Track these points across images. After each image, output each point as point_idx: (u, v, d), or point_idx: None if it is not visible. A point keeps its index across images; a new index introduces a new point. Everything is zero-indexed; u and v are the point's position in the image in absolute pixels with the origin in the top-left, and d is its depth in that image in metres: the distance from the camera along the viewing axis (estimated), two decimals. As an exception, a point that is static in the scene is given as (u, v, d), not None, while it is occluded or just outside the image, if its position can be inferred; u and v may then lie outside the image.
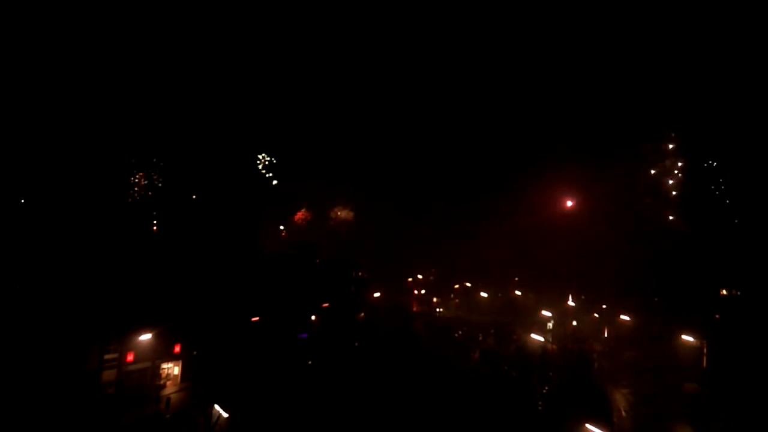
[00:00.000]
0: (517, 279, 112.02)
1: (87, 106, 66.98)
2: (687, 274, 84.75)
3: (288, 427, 39.21)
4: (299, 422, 39.75)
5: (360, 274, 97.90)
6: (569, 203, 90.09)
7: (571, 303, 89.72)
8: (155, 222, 74.97)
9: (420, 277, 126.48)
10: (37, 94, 63.31)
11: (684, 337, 61.14)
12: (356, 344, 67.08)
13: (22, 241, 52.66)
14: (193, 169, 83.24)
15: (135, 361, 45.59)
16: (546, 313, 79.87)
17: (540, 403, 48.55)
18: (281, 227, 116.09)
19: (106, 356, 43.73)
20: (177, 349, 49.29)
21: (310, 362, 57.73)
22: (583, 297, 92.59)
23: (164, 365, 48.70)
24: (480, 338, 72.94)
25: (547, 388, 51.25)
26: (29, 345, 39.24)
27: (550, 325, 78.96)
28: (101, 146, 68.08)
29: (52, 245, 52.32)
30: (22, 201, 61.38)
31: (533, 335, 63.79)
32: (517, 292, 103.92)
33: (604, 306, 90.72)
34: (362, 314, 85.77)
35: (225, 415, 35.95)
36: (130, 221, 69.82)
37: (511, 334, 64.81)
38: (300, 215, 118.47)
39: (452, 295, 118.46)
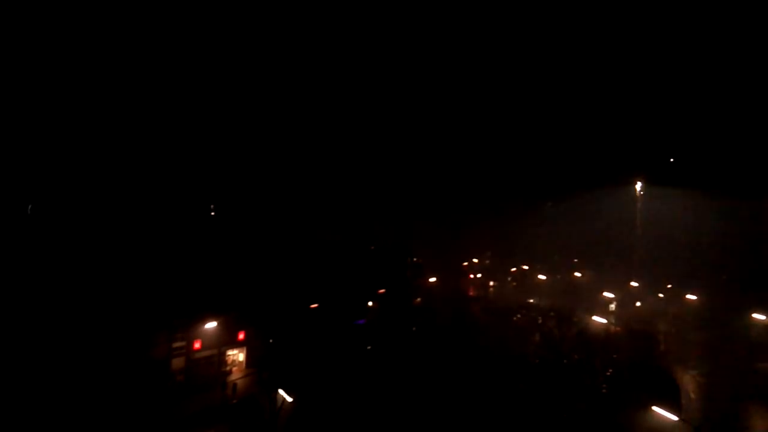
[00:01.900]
0: (576, 260, 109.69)
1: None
2: (757, 249, 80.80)
3: (350, 411, 39.79)
4: (361, 406, 40.31)
5: (414, 259, 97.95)
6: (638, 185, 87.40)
7: (634, 283, 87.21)
8: (213, 211, 76.82)
9: (475, 261, 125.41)
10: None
11: (755, 315, 58.34)
12: (413, 329, 67.22)
13: (93, 234, 55.02)
14: (249, 157, 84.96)
15: (202, 349, 47.20)
16: (608, 294, 77.87)
17: (604, 386, 47.33)
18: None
19: (175, 344, 45.51)
20: (241, 336, 50.67)
21: (368, 347, 58.32)
22: (646, 276, 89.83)
23: (229, 352, 50.19)
24: (539, 321, 71.67)
25: (611, 371, 49.92)
26: (103, 336, 41.04)
27: (612, 306, 76.88)
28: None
29: (121, 238, 54.45)
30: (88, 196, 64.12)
31: (595, 317, 62.26)
32: (577, 274, 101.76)
33: (669, 285, 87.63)
34: (418, 299, 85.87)
35: (289, 399, 36.72)
36: (193, 213, 71.83)
37: (572, 317, 63.37)
38: None
39: (509, 279, 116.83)
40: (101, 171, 64.85)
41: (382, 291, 76.54)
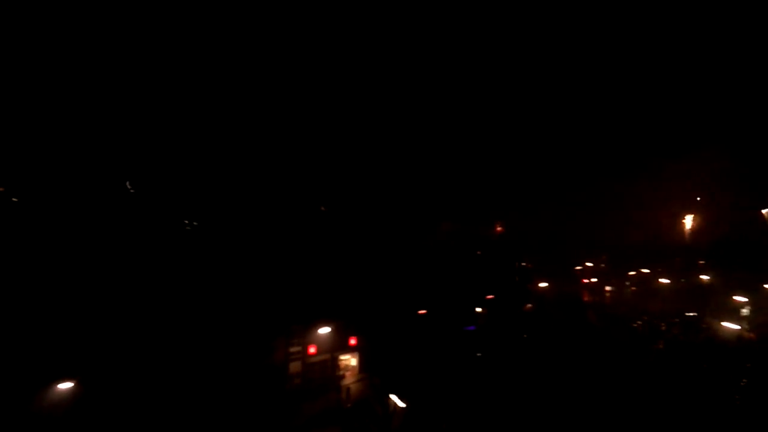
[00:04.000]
0: (702, 262, 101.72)
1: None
2: None
3: (462, 418, 39.57)
4: (472, 413, 39.97)
5: (524, 264, 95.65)
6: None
7: (768, 285, 79.38)
8: (323, 216, 79.47)
9: (590, 265, 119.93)
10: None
11: None
12: (525, 336, 65.58)
13: (221, 244, 59.10)
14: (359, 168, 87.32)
15: (316, 354, 48.98)
16: (740, 298, 71.52)
17: (737, 396, 43.54)
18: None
19: (292, 349, 47.63)
20: (353, 341, 51.93)
21: (479, 354, 57.68)
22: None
23: (342, 357, 51.53)
24: (663, 328, 67.29)
25: (745, 380, 45.86)
26: (226, 343, 43.87)
27: (745, 311, 70.48)
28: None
29: (243, 249, 58.01)
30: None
31: (725, 323, 57.45)
32: (704, 277, 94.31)
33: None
34: (529, 305, 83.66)
35: (401, 404, 37.20)
36: (306, 219, 74.83)
37: (699, 323, 59.00)
38: None
39: (627, 283, 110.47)
40: (226, 179, 69.62)
41: (490, 297, 75.42)
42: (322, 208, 79.30)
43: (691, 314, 68.04)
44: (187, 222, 69.37)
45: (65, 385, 34.09)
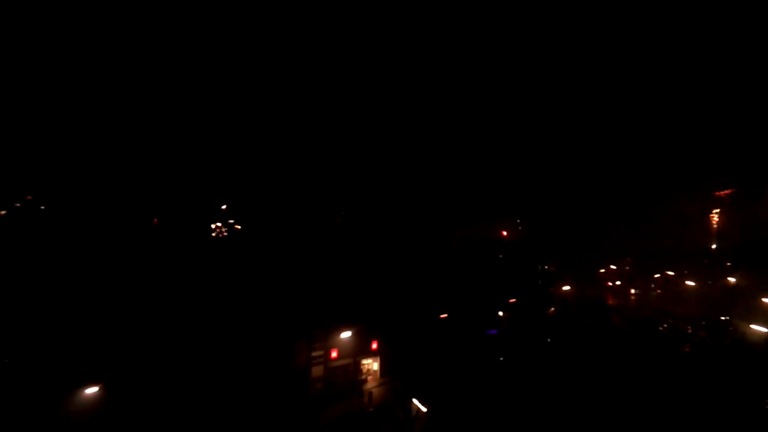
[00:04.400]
0: (729, 264, 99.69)
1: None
2: None
3: (484, 422, 39.28)
4: (495, 417, 39.66)
5: (546, 267, 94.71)
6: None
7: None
8: (343, 222, 79.88)
9: (614, 267, 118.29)
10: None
11: None
12: (548, 340, 64.89)
13: (237, 251, 59.75)
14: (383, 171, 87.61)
15: (338, 358, 49.10)
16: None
17: (767, 401, 42.55)
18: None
19: (314, 354, 47.83)
20: (374, 345, 51.97)
21: (501, 358, 57.22)
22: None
23: (364, 361, 51.60)
24: (689, 331, 66.08)
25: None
26: (249, 346, 44.22)
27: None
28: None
29: (266, 254, 58.56)
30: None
31: (754, 326, 56.21)
32: (731, 279, 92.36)
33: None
34: (552, 309, 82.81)
35: (423, 409, 37.08)
36: (327, 225, 75.34)
37: (727, 326, 57.74)
38: None
39: (653, 286, 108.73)
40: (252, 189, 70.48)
41: (513, 300, 74.82)
42: (342, 213, 79.68)
43: (721, 318, 66.70)
44: (215, 228, 70.40)
45: (92, 390, 34.66)
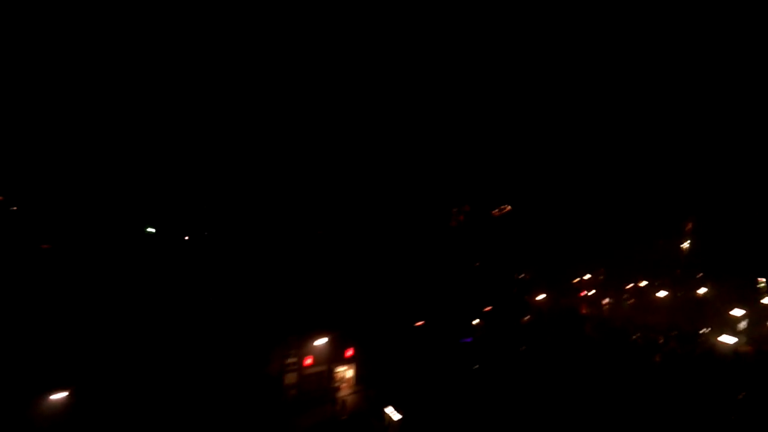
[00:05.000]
0: (700, 275, 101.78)
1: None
2: None
3: (459, 429, 39.37)
4: (468, 425, 39.77)
5: (521, 276, 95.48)
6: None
7: (765, 300, 79.46)
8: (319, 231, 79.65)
9: (587, 277, 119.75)
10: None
11: None
12: (522, 348, 65.34)
13: (213, 256, 59.14)
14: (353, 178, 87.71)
15: (313, 365, 48.76)
16: (737, 312, 71.44)
17: (734, 411, 43.42)
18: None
19: (288, 360, 47.40)
20: (349, 353, 51.72)
21: (476, 366, 57.46)
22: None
23: (338, 368, 51.28)
24: (660, 341, 67.14)
25: (743, 394, 45.74)
26: (222, 353, 43.72)
27: (742, 325, 70.43)
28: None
29: (242, 260, 58.06)
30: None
31: (722, 337, 57.43)
32: (701, 290, 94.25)
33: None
34: (527, 317, 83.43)
35: (397, 417, 37.01)
36: (302, 232, 75.01)
37: (696, 337, 58.78)
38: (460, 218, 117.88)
39: (625, 296, 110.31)
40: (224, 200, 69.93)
41: (488, 309, 75.19)
42: (320, 231, 79.63)
43: (691, 329, 68.02)
44: (189, 232, 69.55)
45: (60, 395, 33.97)
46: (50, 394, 33.62)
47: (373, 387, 47.72)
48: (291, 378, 47.43)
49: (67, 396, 34.10)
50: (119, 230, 61.11)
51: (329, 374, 50.33)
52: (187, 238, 68.72)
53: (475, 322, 71.62)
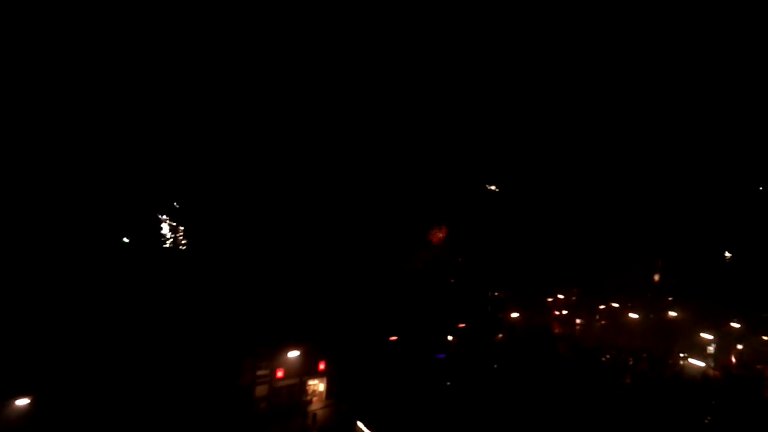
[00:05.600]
0: (671, 299, 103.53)
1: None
2: None
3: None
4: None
5: (496, 294, 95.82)
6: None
7: (735, 324, 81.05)
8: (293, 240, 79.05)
9: (561, 297, 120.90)
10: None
11: None
12: (495, 366, 65.49)
13: (187, 264, 58.21)
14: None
15: (284, 378, 48.11)
16: (706, 335, 72.75)
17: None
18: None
19: (259, 372, 46.72)
20: (321, 366, 51.24)
21: (448, 383, 57.36)
22: (748, 316, 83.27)
23: (310, 382, 50.73)
24: (630, 363, 67.98)
25: (709, 418, 46.43)
26: (191, 362, 42.86)
27: (711, 348, 71.72)
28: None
29: (212, 269, 57.25)
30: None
31: (691, 360, 58.40)
32: (672, 313, 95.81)
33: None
34: (500, 335, 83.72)
35: (368, 432, 36.74)
36: (275, 242, 74.41)
37: (666, 359, 59.69)
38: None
39: (597, 317, 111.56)
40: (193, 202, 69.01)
41: (462, 325, 75.25)
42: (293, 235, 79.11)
43: (661, 351, 69.00)
44: (160, 241, 68.49)
45: (21, 402, 33.01)
46: (13, 400, 32.63)
47: (344, 401, 47.25)
48: (262, 390, 46.73)
49: (30, 403, 33.14)
50: (90, 237, 59.95)
51: (301, 387, 49.73)
52: (158, 246, 67.71)
53: (450, 338, 71.66)
